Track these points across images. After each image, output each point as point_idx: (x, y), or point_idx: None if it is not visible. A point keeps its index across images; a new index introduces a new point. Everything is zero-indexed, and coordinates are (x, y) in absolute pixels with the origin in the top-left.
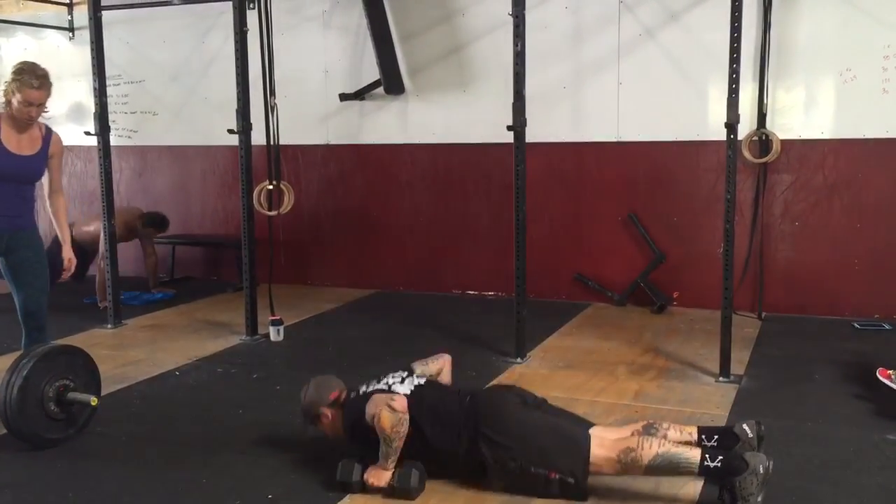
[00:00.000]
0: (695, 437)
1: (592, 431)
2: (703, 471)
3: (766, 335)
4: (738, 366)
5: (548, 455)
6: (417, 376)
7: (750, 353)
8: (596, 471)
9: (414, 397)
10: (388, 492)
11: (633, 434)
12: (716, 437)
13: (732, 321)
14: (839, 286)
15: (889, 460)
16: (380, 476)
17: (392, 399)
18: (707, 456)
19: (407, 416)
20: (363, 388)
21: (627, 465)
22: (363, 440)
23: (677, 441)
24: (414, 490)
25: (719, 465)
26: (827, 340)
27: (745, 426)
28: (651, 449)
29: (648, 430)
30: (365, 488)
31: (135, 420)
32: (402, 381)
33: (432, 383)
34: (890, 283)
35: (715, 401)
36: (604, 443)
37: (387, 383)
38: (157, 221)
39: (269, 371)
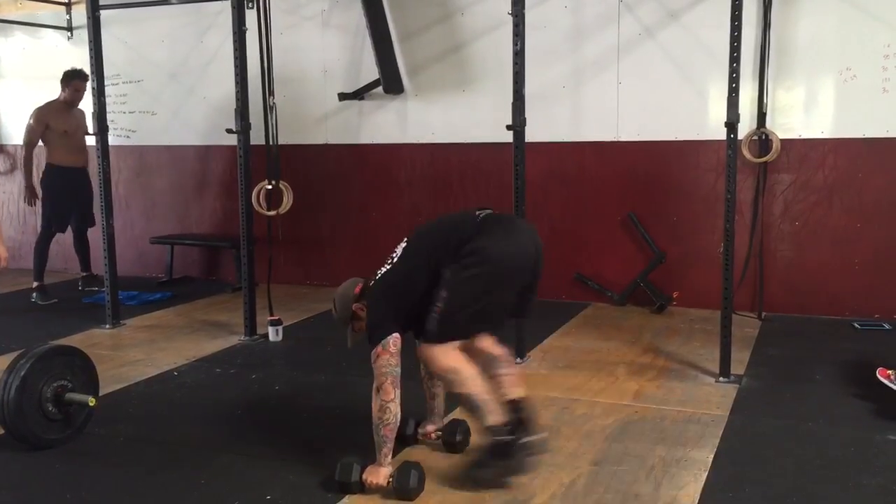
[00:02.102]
0: (508, 398)
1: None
2: (489, 430)
3: (766, 335)
4: (738, 366)
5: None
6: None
7: (750, 353)
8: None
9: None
10: (386, 492)
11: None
12: (519, 414)
13: (732, 321)
14: (839, 286)
15: (890, 460)
16: (377, 474)
17: (381, 377)
18: (495, 427)
19: (394, 405)
20: (379, 272)
21: (447, 381)
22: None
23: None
24: (413, 490)
25: (507, 438)
26: (827, 340)
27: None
28: (467, 386)
29: (490, 363)
30: (364, 489)
31: (133, 421)
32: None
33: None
34: (890, 283)
35: (715, 401)
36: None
37: (389, 258)
38: (75, 73)
39: (267, 371)
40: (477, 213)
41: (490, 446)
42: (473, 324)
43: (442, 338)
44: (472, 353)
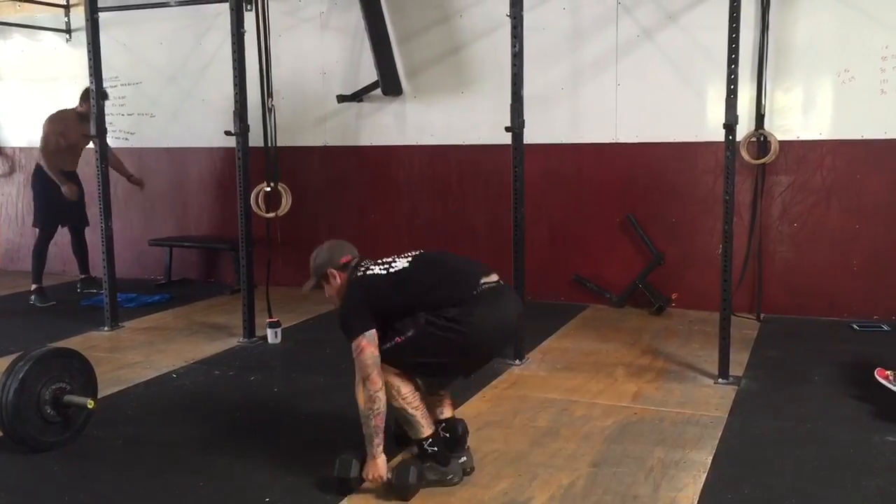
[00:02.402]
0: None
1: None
2: (419, 444)
3: (764, 336)
4: (737, 367)
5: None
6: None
7: (749, 354)
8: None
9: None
10: (385, 487)
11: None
12: (447, 434)
13: (731, 322)
14: (838, 287)
15: (888, 462)
16: (377, 466)
17: (367, 369)
18: (431, 439)
19: (381, 393)
20: (370, 266)
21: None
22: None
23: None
24: (411, 487)
25: (432, 450)
26: (826, 342)
27: (466, 460)
28: (403, 401)
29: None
30: (362, 483)
31: (132, 423)
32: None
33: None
34: (889, 285)
35: (714, 402)
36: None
37: (388, 263)
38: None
39: (266, 374)
40: (482, 281)
41: (423, 456)
42: (422, 371)
43: (386, 359)
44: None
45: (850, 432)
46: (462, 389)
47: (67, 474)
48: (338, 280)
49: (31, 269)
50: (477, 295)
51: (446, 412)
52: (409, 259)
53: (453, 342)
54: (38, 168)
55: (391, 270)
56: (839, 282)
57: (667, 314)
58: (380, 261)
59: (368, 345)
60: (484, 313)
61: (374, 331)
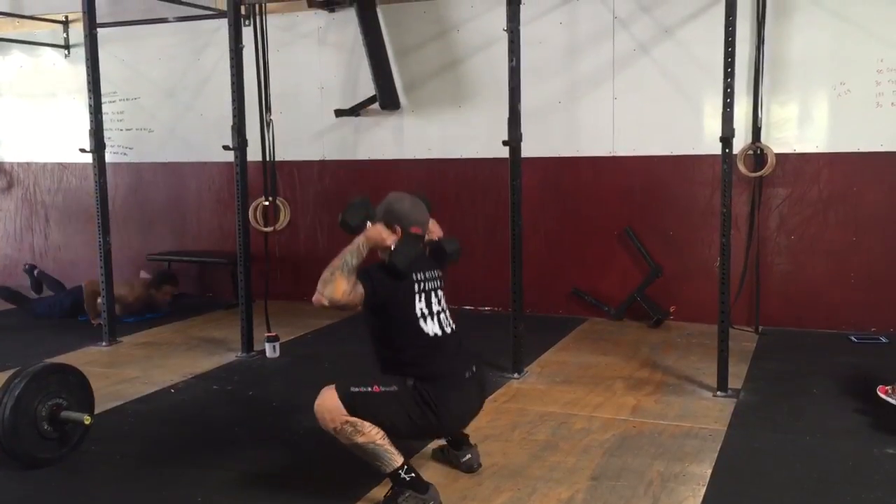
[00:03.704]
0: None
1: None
2: (393, 476)
3: (763, 349)
4: (735, 380)
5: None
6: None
7: (747, 367)
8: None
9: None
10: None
11: None
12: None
13: (729, 335)
14: (836, 300)
15: (888, 475)
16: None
17: (337, 278)
18: (405, 467)
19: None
20: (422, 274)
21: (345, 432)
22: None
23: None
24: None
25: (409, 477)
26: (824, 354)
27: (470, 457)
28: (370, 435)
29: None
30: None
31: (129, 438)
32: (434, 314)
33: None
34: (886, 297)
35: (713, 415)
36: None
37: (428, 307)
38: (168, 277)
39: (264, 388)
40: (472, 368)
41: (399, 487)
42: (387, 424)
43: (351, 407)
44: None
45: (850, 445)
46: None
47: (64, 490)
48: (387, 240)
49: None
50: (465, 379)
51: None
52: (441, 301)
53: (426, 418)
54: (77, 294)
55: (417, 309)
56: (837, 294)
57: (665, 327)
58: (424, 288)
59: (356, 286)
60: (459, 402)
61: (362, 291)
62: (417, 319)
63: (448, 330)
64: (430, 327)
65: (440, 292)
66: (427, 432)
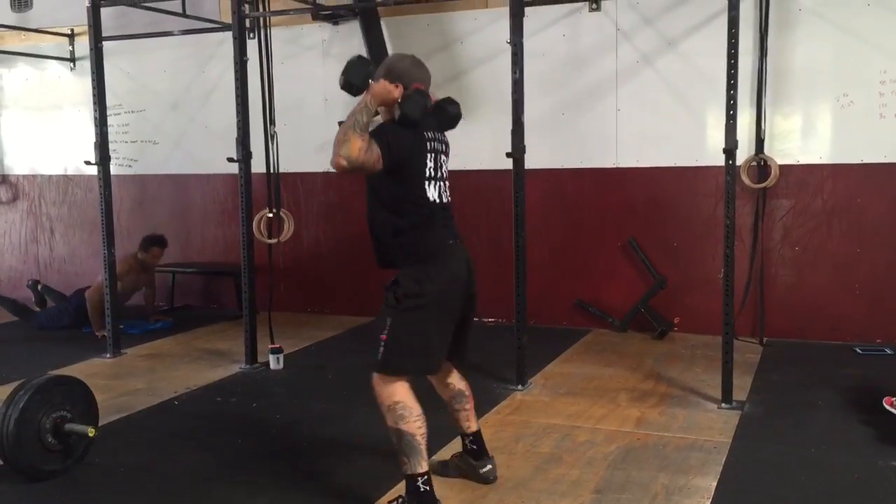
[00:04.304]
0: (469, 431)
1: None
2: (410, 479)
3: (767, 361)
4: (740, 392)
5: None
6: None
7: (752, 378)
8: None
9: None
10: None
11: (450, 387)
12: (475, 446)
13: (734, 347)
14: (840, 311)
15: (893, 487)
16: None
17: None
18: (425, 477)
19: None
20: (432, 132)
21: (393, 413)
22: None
23: (457, 421)
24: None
25: (424, 489)
26: (829, 366)
27: (490, 468)
28: (413, 427)
29: (457, 396)
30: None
31: (133, 451)
32: (437, 179)
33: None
34: (891, 308)
35: (717, 427)
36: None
37: (434, 169)
38: (156, 240)
39: (268, 400)
40: (458, 239)
41: (410, 496)
42: (416, 358)
43: (387, 370)
44: (441, 386)
45: (855, 457)
46: None
47: (68, 503)
48: (393, 93)
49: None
50: (446, 249)
51: (472, 424)
52: (438, 192)
53: (421, 310)
54: (79, 299)
55: (427, 168)
56: (841, 305)
57: (669, 338)
58: (433, 148)
59: (372, 144)
60: (440, 265)
61: (378, 152)
62: (425, 180)
63: (445, 199)
64: (431, 192)
65: (444, 157)
66: (450, 303)
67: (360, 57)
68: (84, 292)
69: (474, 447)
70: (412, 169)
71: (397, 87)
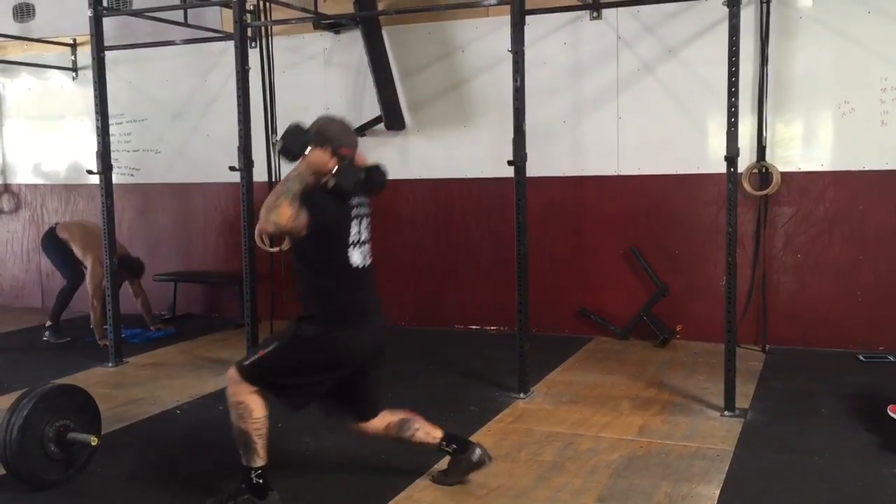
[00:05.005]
0: (437, 440)
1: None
2: (245, 472)
3: (770, 368)
4: (743, 399)
5: None
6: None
7: (755, 386)
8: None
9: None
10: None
11: (387, 427)
12: (454, 445)
13: (736, 354)
14: (843, 318)
15: None
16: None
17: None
18: (259, 472)
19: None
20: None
21: (236, 411)
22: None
23: (422, 441)
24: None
25: (258, 482)
26: (832, 373)
27: (479, 451)
28: (251, 427)
29: (401, 426)
30: None
31: (136, 460)
32: (360, 243)
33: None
34: (894, 315)
35: (720, 435)
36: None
37: (358, 234)
38: (127, 265)
39: (270, 409)
40: (377, 300)
41: (244, 484)
42: (280, 384)
43: (247, 376)
44: (384, 435)
45: (859, 465)
46: (466, 423)
47: None
48: (328, 164)
49: (49, 308)
50: (363, 307)
51: (434, 432)
52: (361, 256)
53: (311, 355)
54: (50, 236)
55: (352, 234)
56: (844, 312)
57: (671, 346)
58: (358, 214)
59: (300, 211)
60: (353, 324)
61: (306, 218)
62: (348, 246)
63: (367, 263)
64: (355, 258)
65: (366, 220)
66: (336, 361)
67: (297, 125)
68: (52, 233)
69: (454, 446)
70: (337, 236)
71: (332, 158)
